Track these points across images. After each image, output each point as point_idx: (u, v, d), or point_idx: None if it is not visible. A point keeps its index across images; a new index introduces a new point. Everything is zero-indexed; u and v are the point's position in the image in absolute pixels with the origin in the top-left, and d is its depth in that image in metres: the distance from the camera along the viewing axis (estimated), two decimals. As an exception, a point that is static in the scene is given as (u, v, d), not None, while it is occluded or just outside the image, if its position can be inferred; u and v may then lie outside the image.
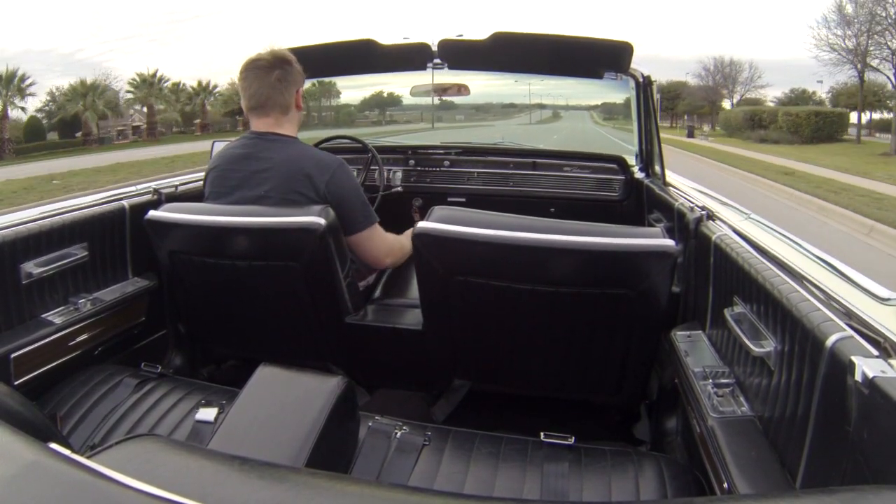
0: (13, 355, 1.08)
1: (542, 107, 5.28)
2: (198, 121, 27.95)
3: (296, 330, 1.30)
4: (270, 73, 1.28)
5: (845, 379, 0.59)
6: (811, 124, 20.58)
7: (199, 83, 27.86)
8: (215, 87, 27.99)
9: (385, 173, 1.96)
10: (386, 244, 1.39)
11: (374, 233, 1.35)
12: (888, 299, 0.71)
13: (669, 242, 0.97)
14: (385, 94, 3.74)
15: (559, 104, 5.07)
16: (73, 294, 1.25)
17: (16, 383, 1.08)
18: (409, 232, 1.23)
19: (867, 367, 0.56)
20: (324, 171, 1.26)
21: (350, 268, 1.28)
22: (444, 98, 2.34)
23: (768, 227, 1.09)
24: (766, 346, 0.79)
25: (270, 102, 1.29)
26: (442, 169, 2.09)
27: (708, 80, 30.10)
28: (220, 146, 1.44)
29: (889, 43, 18.65)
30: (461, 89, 2.21)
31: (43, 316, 1.19)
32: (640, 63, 1.69)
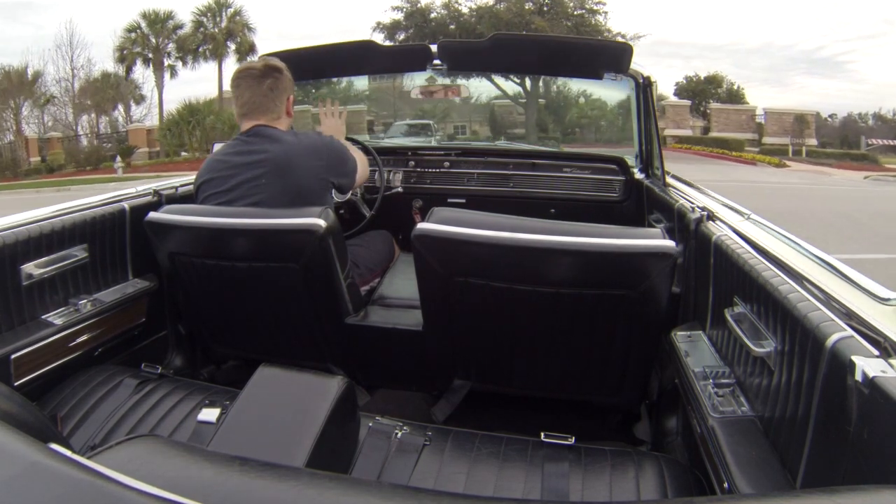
0: (13, 356, 1.08)
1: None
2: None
3: (296, 331, 1.30)
4: (262, 83, 1.32)
5: (845, 379, 0.59)
6: None
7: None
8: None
9: (385, 174, 1.97)
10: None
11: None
12: (888, 299, 0.71)
13: (670, 243, 0.97)
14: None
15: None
16: (73, 295, 1.25)
17: (16, 384, 1.08)
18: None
19: (867, 366, 0.56)
20: (321, 156, 1.34)
21: (350, 269, 1.28)
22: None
23: (768, 227, 1.09)
24: (767, 347, 0.79)
25: (262, 109, 1.34)
26: (442, 170, 2.09)
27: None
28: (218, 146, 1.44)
29: None
30: (452, 91, 2.22)
31: (43, 317, 1.18)
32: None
